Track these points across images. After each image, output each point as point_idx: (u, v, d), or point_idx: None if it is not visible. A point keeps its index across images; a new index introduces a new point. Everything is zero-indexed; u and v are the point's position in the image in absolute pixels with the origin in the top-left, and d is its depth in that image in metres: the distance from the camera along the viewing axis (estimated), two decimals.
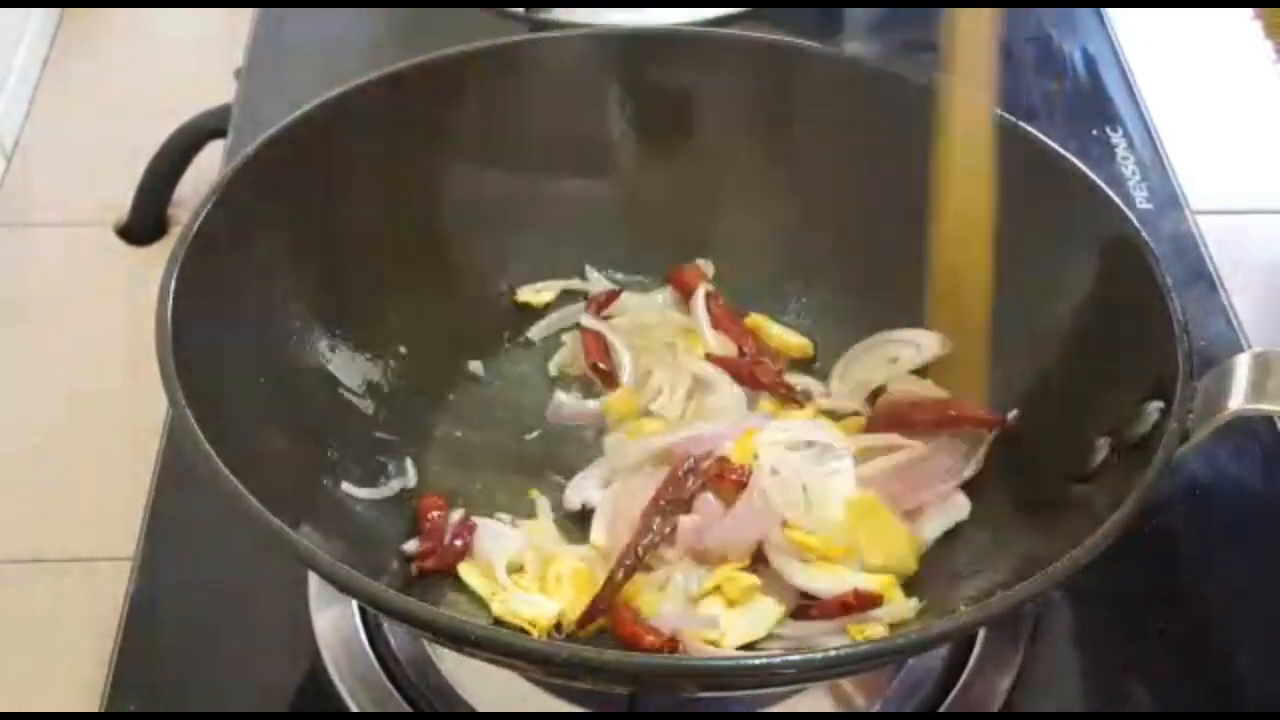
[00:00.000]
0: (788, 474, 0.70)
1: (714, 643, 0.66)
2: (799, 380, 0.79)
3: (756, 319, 0.82)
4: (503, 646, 0.56)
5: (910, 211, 0.78)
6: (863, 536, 0.70)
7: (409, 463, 0.75)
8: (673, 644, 0.66)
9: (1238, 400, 0.62)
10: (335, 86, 0.76)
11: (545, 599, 0.67)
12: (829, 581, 0.68)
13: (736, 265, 0.84)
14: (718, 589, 0.68)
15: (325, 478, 0.71)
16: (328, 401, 0.74)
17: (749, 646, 0.67)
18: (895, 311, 0.80)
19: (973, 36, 0.75)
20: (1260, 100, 1.14)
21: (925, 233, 0.78)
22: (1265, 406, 0.62)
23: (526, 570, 0.70)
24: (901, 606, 0.67)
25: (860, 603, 0.67)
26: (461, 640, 0.55)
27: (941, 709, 0.70)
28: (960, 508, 0.73)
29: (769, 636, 0.67)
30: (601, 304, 0.82)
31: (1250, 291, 0.94)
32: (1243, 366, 0.63)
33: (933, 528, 0.72)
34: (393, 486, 0.73)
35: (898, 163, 0.79)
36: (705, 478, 0.70)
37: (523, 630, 0.66)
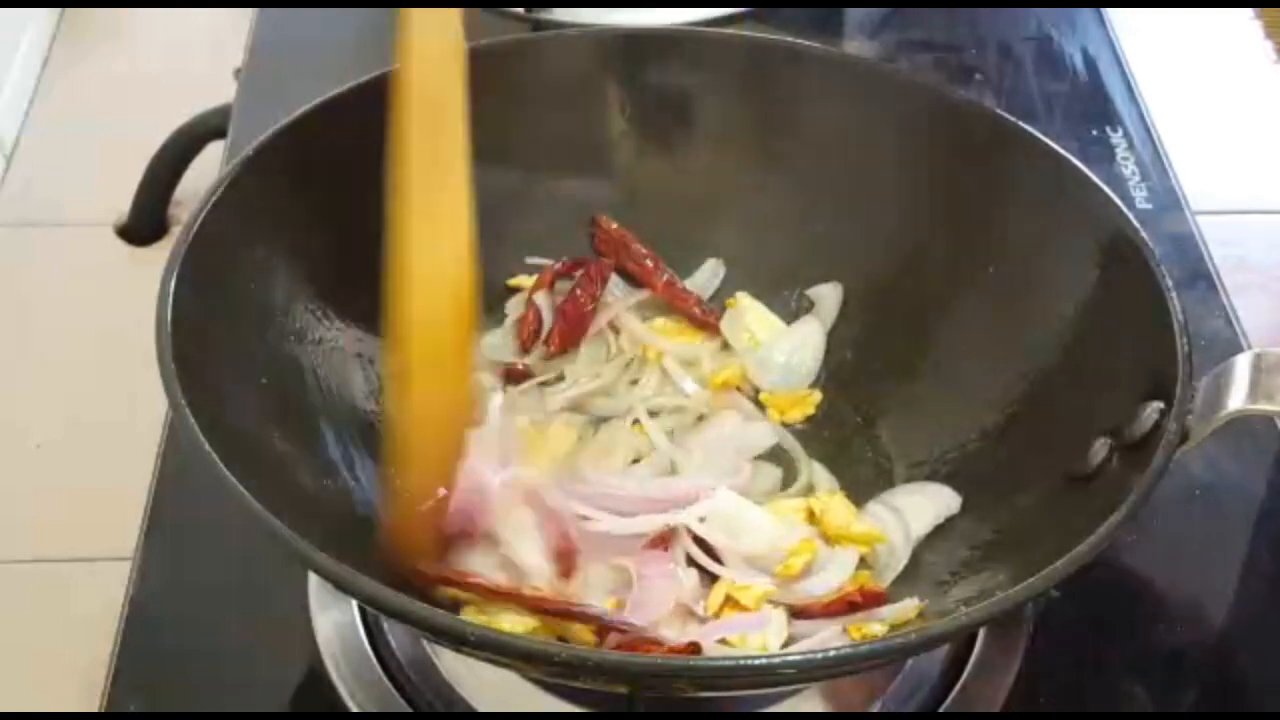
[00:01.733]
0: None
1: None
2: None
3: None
4: (501, 646, 0.55)
5: (911, 211, 0.79)
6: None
7: None
8: (694, 648, 0.66)
9: (1237, 400, 0.62)
10: (335, 86, 0.76)
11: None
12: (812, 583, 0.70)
13: (736, 265, 0.84)
14: (730, 601, 0.69)
15: (325, 478, 0.71)
16: (328, 405, 0.74)
17: None
18: (895, 310, 0.80)
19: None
20: (1260, 100, 1.14)
21: (926, 232, 0.78)
22: (1265, 407, 0.62)
23: None
24: (902, 606, 0.67)
25: (866, 600, 0.67)
26: (460, 640, 0.55)
27: (941, 709, 0.70)
28: (949, 503, 0.73)
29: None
30: (555, 278, 0.82)
31: (1250, 291, 0.94)
32: (1243, 366, 0.63)
33: (920, 523, 0.72)
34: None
35: (897, 162, 0.79)
36: None
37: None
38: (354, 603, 0.72)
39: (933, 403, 0.77)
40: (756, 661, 0.58)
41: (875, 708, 0.71)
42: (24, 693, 1.12)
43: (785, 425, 0.80)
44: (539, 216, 0.83)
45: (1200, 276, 0.92)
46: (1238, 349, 0.86)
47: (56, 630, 1.18)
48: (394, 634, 0.72)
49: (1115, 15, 1.13)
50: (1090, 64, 1.09)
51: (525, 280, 0.83)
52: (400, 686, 0.70)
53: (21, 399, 1.41)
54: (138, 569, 0.75)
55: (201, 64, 1.58)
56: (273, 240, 0.73)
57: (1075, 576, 0.57)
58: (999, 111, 0.77)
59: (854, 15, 1.12)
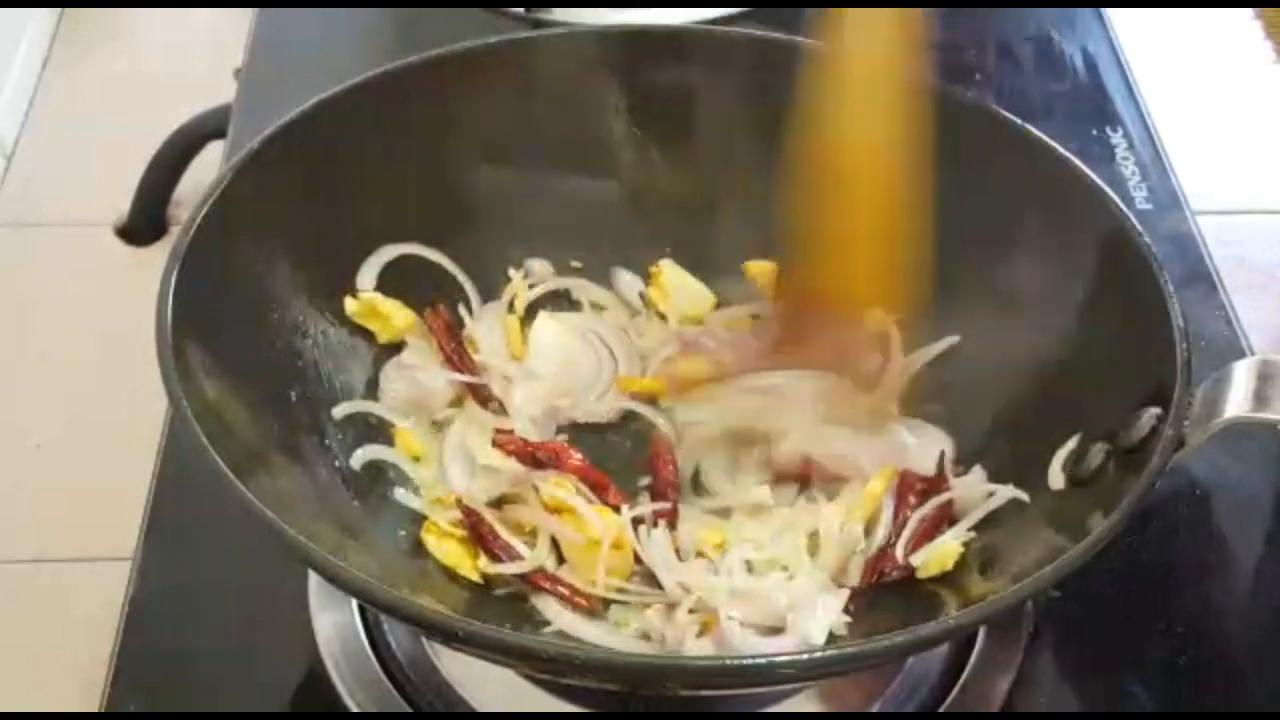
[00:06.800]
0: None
1: None
2: None
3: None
4: (494, 643, 0.56)
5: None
6: None
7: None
8: None
9: (1235, 407, 0.62)
10: (335, 86, 0.76)
11: None
12: None
13: (737, 264, 0.84)
14: None
15: (326, 474, 0.71)
16: (329, 400, 0.74)
17: None
18: None
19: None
20: (1260, 100, 1.14)
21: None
22: (1264, 415, 0.62)
23: None
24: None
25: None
26: (451, 636, 0.56)
27: (941, 709, 0.70)
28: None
29: None
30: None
31: (1250, 292, 0.94)
32: (1242, 373, 0.63)
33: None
34: (395, 484, 0.73)
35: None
36: None
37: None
38: (354, 602, 0.72)
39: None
40: (752, 661, 0.58)
41: (875, 708, 0.71)
42: (24, 693, 1.12)
43: None
44: (539, 216, 0.83)
45: (1200, 277, 0.92)
46: (1237, 349, 0.86)
47: (56, 630, 1.19)
48: (394, 634, 0.72)
49: (1115, 15, 1.13)
50: (1090, 64, 1.09)
51: (519, 282, 0.83)
52: (400, 686, 0.70)
53: (21, 399, 1.42)
54: (138, 569, 0.75)
55: (201, 64, 1.59)
56: (273, 238, 0.73)
57: (1075, 577, 0.57)
58: (999, 111, 0.77)
59: None
